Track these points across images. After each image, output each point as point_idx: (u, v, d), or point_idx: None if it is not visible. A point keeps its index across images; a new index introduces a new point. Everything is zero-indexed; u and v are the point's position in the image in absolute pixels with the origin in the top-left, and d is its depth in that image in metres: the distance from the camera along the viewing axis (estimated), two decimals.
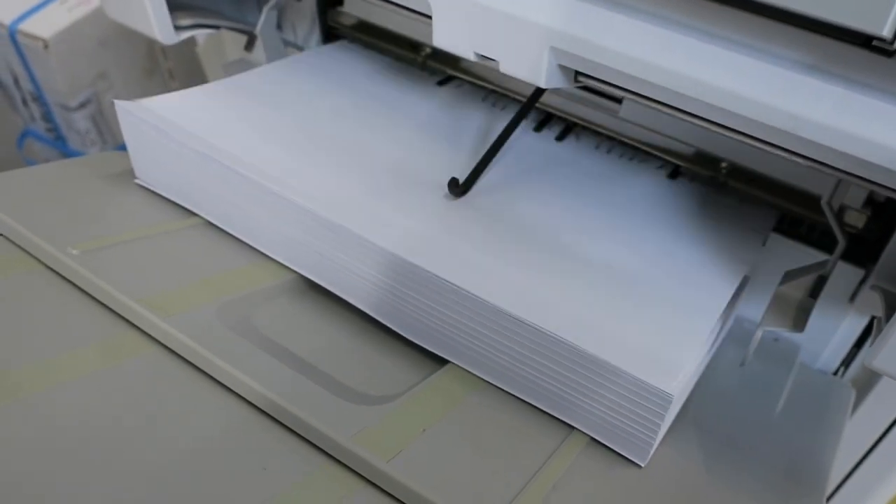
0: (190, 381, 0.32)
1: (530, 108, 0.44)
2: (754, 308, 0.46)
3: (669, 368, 0.32)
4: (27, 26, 0.71)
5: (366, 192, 0.41)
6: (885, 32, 0.26)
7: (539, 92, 0.43)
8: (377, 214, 0.39)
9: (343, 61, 0.55)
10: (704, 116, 0.33)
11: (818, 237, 0.45)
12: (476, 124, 0.50)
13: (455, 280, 0.34)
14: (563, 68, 0.36)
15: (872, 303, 0.43)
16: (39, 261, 0.37)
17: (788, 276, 0.39)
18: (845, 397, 0.44)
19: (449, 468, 0.30)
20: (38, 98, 0.77)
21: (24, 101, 0.79)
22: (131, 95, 0.81)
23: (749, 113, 0.31)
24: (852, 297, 0.44)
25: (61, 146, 0.81)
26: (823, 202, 0.37)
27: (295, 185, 0.39)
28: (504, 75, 0.37)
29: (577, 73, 0.36)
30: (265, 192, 0.39)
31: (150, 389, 0.32)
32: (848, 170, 0.31)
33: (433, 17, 0.38)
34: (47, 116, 0.78)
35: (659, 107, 0.34)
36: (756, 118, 0.31)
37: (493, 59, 0.37)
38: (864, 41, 0.28)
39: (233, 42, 0.61)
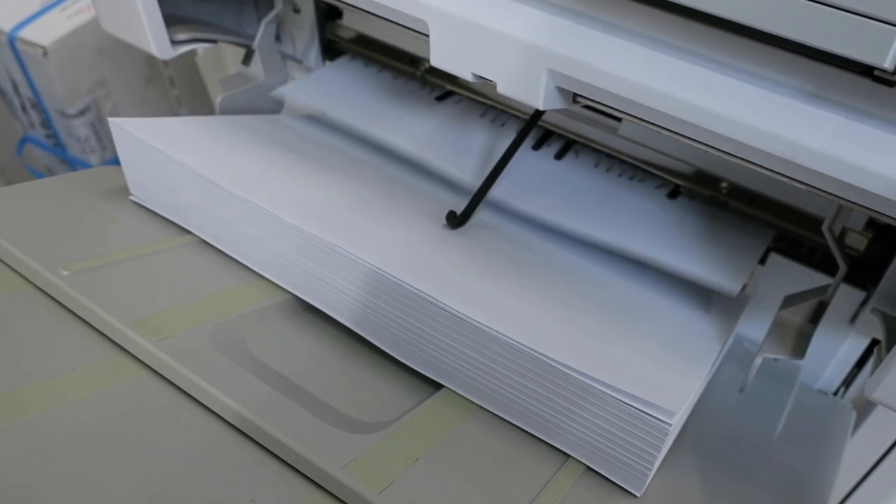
0: (180, 407, 0.32)
1: (527, 133, 0.43)
2: (753, 327, 0.46)
3: (668, 398, 0.31)
4: (26, 33, 0.71)
5: (362, 215, 0.41)
6: (887, 64, 0.26)
7: (537, 115, 0.42)
8: (371, 236, 0.38)
9: (341, 82, 0.55)
10: (703, 141, 0.32)
11: (820, 259, 0.44)
12: (475, 144, 0.50)
13: (451, 304, 0.34)
14: (560, 90, 0.35)
15: (873, 324, 0.43)
16: (30, 281, 0.37)
17: (788, 301, 0.38)
18: (846, 418, 0.43)
19: (442, 499, 0.30)
20: (38, 105, 0.77)
21: (24, 108, 0.79)
22: (131, 103, 0.81)
23: (748, 139, 0.30)
24: (853, 319, 0.43)
25: (61, 153, 0.81)
26: (825, 227, 0.37)
27: (287, 205, 0.39)
28: None
29: (576, 94, 0.36)
30: (257, 211, 0.38)
31: (140, 415, 0.31)
32: (847, 197, 0.30)
33: (430, 38, 0.37)
34: (46, 123, 0.78)
35: (657, 129, 0.34)
36: (755, 145, 0.30)
37: (491, 81, 0.36)
38: (865, 70, 0.28)
39: (232, 51, 0.61)
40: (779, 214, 0.44)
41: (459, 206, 0.43)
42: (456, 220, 0.42)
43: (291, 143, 0.48)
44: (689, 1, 0.29)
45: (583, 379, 0.31)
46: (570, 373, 0.31)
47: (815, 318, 0.37)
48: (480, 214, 0.44)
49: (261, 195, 0.39)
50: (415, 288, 0.34)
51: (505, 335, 0.32)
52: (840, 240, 0.38)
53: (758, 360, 0.36)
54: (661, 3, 0.30)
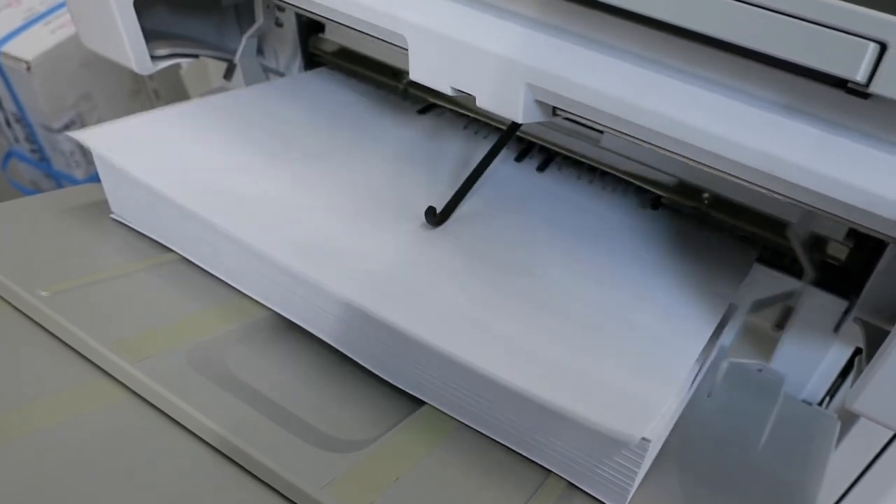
0: (159, 429, 0.32)
1: (509, 139, 0.43)
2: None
3: (643, 418, 0.31)
4: (10, 48, 0.70)
5: (339, 227, 0.40)
6: (860, 77, 0.26)
7: (514, 126, 0.42)
8: (345, 255, 0.38)
9: (322, 90, 0.55)
10: (681, 153, 0.32)
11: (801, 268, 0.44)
12: (456, 154, 0.50)
13: (420, 332, 0.33)
14: (540, 104, 0.35)
15: (857, 334, 0.43)
16: (8, 302, 0.36)
17: (757, 306, 0.38)
18: (830, 428, 0.43)
19: None
20: (22, 119, 0.76)
21: (8, 123, 0.78)
22: (116, 116, 0.80)
23: (726, 153, 0.30)
24: (836, 328, 0.43)
25: (45, 167, 0.80)
26: (790, 232, 0.37)
27: (263, 232, 0.38)
28: None
29: (555, 108, 0.36)
30: (234, 242, 0.38)
31: (119, 437, 0.31)
32: (825, 209, 0.30)
33: (409, 52, 0.37)
34: (31, 137, 0.78)
35: (638, 142, 0.34)
36: (733, 158, 0.30)
37: (470, 94, 0.36)
38: (839, 83, 0.28)
39: (216, 64, 0.61)
40: (760, 224, 0.44)
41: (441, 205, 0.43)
42: (436, 219, 0.42)
43: (271, 139, 0.47)
44: (665, 16, 0.29)
45: (556, 406, 0.31)
46: (543, 401, 0.31)
47: (783, 322, 0.37)
48: (462, 209, 0.44)
49: (237, 223, 0.38)
50: (389, 322, 0.34)
51: (479, 367, 0.32)
52: (807, 245, 0.38)
53: (724, 364, 0.36)
54: (639, 18, 0.30)
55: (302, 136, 0.49)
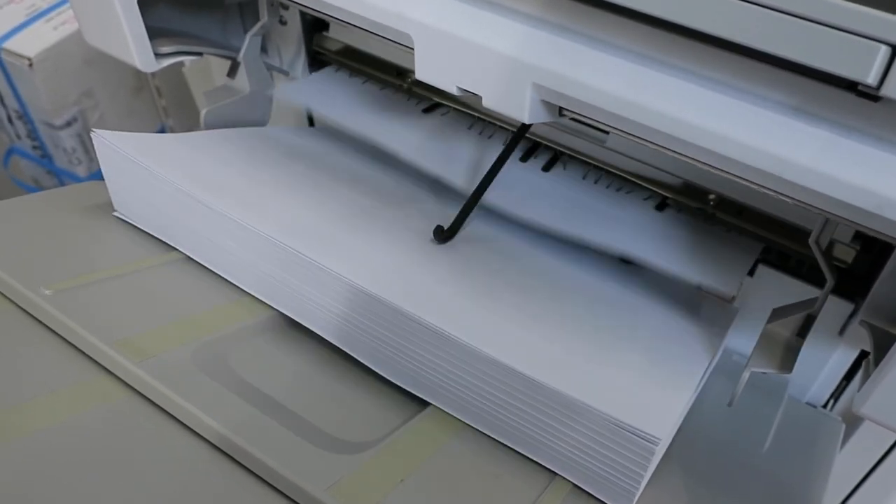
0: (162, 428, 0.31)
1: (513, 148, 0.43)
2: (741, 340, 0.46)
3: (655, 414, 0.31)
4: (12, 45, 0.70)
5: (347, 231, 0.40)
6: (871, 79, 0.26)
7: (524, 129, 0.42)
8: (355, 252, 0.38)
9: (330, 90, 0.55)
10: (688, 155, 0.32)
11: (808, 271, 0.44)
12: (462, 156, 0.49)
13: (433, 321, 0.33)
14: (546, 104, 0.35)
15: (862, 336, 0.43)
16: (11, 300, 0.36)
17: (776, 314, 0.38)
18: (834, 431, 0.43)
19: None
20: (24, 116, 0.76)
21: (10, 119, 0.78)
22: (118, 114, 0.80)
23: (733, 154, 0.30)
24: (842, 331, 0.43)
25: (47, 164, 0.80)
26: (811, 241, 0.37)
27: (271, 222, 0.38)
28: None
29: (561, 108, 0.36)
30: (241, 228, 0.38)
31: (122, 437, 0.31)
32: (833, 212, 0.30)
33: (415, 51, 0.37)
34: (33, 134, 0.78)
35: (644, 143, 0.34)
36: (740, 159, 0.30)
37: (476, 94, 0.36)
38: (849, 85, 0.28)
39: (219, 61, 0.61)
40: (767, 226, 0.44)
41: (448, 220, 0.43)
42: (443, 235, 0.42)
43: (277, 158, 0.48)
44: (674, 17, 0.29)
45: (567, 396, 0.31)
46: (554, 391, 0.31)
47: (803, 331, 0.37)
48: (469, 228, 0.44)
49: (244, 212, 0.38)
50: (397, 306, 0.34)
51: (489, 354, 0.32)
52: (828, 252, 0.37)
53: (745, 375, 0.36)
54: (647, 18, 0.30)
55: (306, 147, 0.49)
